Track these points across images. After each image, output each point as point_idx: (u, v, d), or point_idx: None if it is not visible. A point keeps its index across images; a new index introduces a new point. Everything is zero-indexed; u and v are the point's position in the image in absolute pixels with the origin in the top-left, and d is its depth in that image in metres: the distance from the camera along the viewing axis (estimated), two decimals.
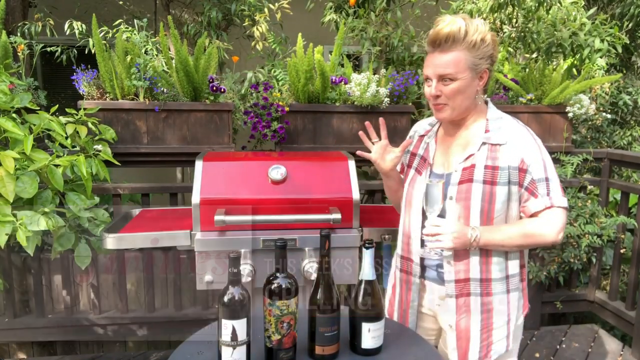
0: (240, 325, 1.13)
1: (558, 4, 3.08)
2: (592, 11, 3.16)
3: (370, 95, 2.56)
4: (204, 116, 2.53)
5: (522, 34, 3.15)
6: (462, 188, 1.42)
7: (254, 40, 3.15)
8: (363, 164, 2.85)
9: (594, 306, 3.25)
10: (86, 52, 2.77)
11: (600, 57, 3.20)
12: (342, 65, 2.82)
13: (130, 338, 4.22)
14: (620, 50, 3.04)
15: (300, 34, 2.62)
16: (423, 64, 1.48)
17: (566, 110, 2.90)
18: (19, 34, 2.87)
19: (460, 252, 1.44)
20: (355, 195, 1.80)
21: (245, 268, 1.70)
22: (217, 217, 1.67)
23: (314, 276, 1.71)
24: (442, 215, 1.43)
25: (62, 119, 2.18)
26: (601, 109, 3.72)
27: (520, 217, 1.48)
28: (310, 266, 1.73)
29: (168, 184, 3.31)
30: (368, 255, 1.25)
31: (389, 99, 2.64)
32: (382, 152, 1.54)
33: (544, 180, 1.42)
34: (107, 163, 2.20)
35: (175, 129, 2.53)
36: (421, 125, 1.66)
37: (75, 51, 2.99)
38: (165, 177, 4.91)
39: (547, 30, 3.05)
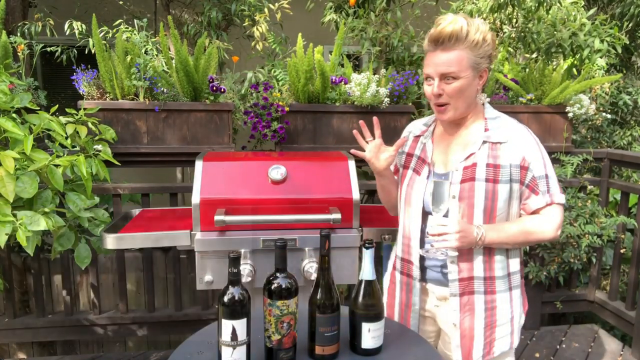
0: (240, 325, 1.13)
1: (558, 4, 3.08)
2: (592, 11, 3.16)
3: (370, 95, 2.56)
4: (204, 116, 2.53)
5: (522, 34, 3.15)
6: (465, 187, 1.43)
7: (254, 40, 3.15)
8: (363, 164, 2.84)
9: (594, 306, 3.26)
10: (86, 52, 2.77)
11: (600, 57, 3.20)
12: (342, 65, 2.82)
13: (130, 338, 4.22)
14: (620, 50, 3.04)
15: (300, 34, 2.62)
16: (423, 63, 1.47)
17: (566, 110, 2.90)
18: (19, 34, 2.87)
19: (464, 251, 1.45)
20: (355, 195, 1.80)
21: (245, 268, 1.70)
22: (217, 217, 1.67)
23: (314, 276, 1.71)
24: (444, 214, 1.43)
25: (62, 119, 2.18)
26: (601, 109, 3.72)
27: (520, 215, 1.49)
28: (310, 266, 1.73)
29: (168, 184, 3.31)
30: (368, 255, 1.25)
31: (389, 99, 2.64)
32: (376, 151, 1.53)
33: (544, 177, 1.44)
34: (107, 163, 2.20)
35: (175, 129, 2.53)
36: (416, 126, 1.65)
37: (75, 51, 2.99)
38: (165, 177, 4.91)
39: (547, 30, 3.05)
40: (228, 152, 2.48)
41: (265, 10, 3.21)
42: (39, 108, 2.13)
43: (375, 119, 1.54)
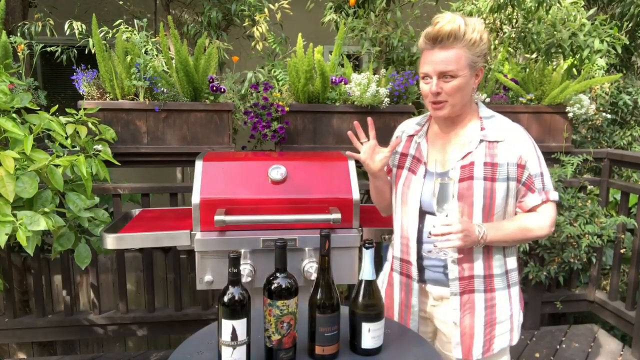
0: (240, 325, 1.13)
1: (558, 4, 3.08)
2: (592, 11, 3.16)
3: (370, 95, 2.56)
4: (204, 116, 2.53)
5: (522, 34, 3.15)
6: (464, 185, 1.43)
7: (254, 41, 3.15)
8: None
9: (594, 306, 3.26)
10: (86, 52, 2.77)
11: (600, 58, 3.21)
12: (342, 65, 2.82)
13: (130, 338, 4.22)
14: (620, 50, 3.04)
15: (300, 34, 2.62)
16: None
17: (566, 110, 2.90)
18: (19, 34, 2.88)
19: (465, 250, 1.45)
20: (355, 195, 1.80)
21: (245, 268, 1.70)
22: (217, 217, 1.67)
23: (314, 276, 1.71)
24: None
25: (62, 119, 2.18)
26: (601, 109, 3.72)
27: (516, 212, 1.51)
28: (310, 266, 1.73)
29: (168, 184, 3.31)
30: (368, 255, 1.25)
31: (389, 99, 2.64)
32: (371, 153, 1.52)
33: (540, 175, 1.46)
34: (107, 163, 2.20)
35: (175, 129, 2.53)
36: (408, 125, 1.65)
37: (75, 51, 2.99)
38: (165, 177, 4.91)
39: (547, 30, 3.05)
40: (228, 152, 2.48)
41: (265, 10, 3.21)
42: (39, 108, 2.13)
43: (369, 119, 1.54)
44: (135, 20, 2.92)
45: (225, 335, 1.12)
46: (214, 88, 2.48)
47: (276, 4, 3.25)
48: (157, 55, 2.70)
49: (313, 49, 2.50)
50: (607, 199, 3.18)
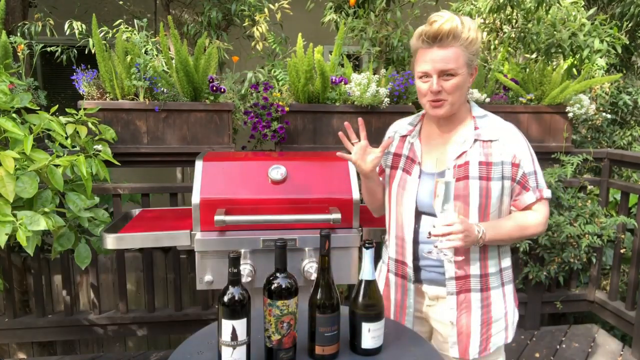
0: (240, 325, 1.13)
1: (558, 4, 3.08)
2: (592, 11, 3.16)
3: (370, 95, 2.56)
4: (204, 116, 2.53)
5: (522, 34, 3.15)
6: (460, 185, 1.43)
7: (254, 41, 3.15)
8: None
9: (594, 306, 3.26)
10: (86, 52, 2.77)
11: (600, 57, 3.20)
12: (342, 65, 2.82)
13: (130, 338, 4.22)
14: (620, 50, 3.04)
15: (300, 34, 2.62)
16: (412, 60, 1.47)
17: (566, 110, 2.90)
18: (19, 34, 2.88)
19: (461, 250, 1.45)
20: (355, 195, 1.80)
21: (245, 268, 1.70)
22: (217, 217, 1.67)
23: (314, 276, 1.71)
24: (433, 214, 1.43)
25: (62, 119, 2.18)
26: (601, 109, 3.72)
27: (510, 211, 1.51)
28: (310, 266, 1.73)
29: (168, 184, 3.31)
30: (368, 255, 1.25)
31: (389, 99, 2.64)
32: (362, 153, 1.50)
33: (533, 174, 1.47)
34: (107, 163, 2.20)
35: (175, 129, 2.53)
36: (401, 125, 1.64)
37: (75, 51, 2.99)
38: (165, 177, 4.91)
39: (547, 30, 3.05)
40: (228, 152, 2.48)
41: (265, 10, 3.21)
42: (39, 108, 2.13)
43: (360, 120, 1.52)
44: (135, 20, 2.92)
45: (225, 335, 1.12)
46: (214, 88, 2.48)
47: (276, 4, 3.25)
48: (157, 55, 2.70)
49: (313, 49, 2.50)
50: (607, 199, 3.18)
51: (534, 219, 1.48)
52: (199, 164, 1.82)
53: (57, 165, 1.86)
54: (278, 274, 1.18)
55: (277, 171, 1.80)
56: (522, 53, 3.33)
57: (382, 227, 1.89)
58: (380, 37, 3.21)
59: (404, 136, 1.60)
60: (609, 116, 3.66)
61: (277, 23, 3.30)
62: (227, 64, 3.51)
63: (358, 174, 1.88)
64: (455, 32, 1.36)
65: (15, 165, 1.72)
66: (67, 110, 2.27)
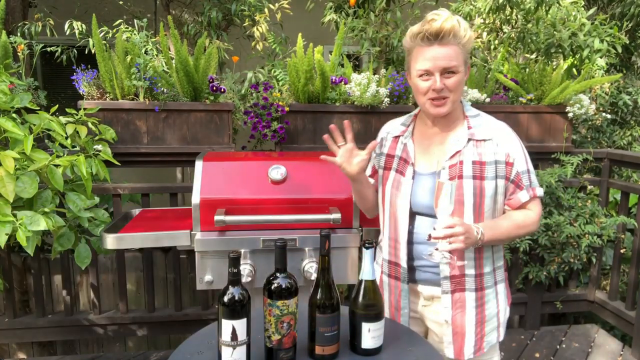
0: (240, 325, 1.13)
1: (557, 4, 3.08)
2: (592, 11, 3.16)
3: (370, 95, 2.56)
4: (204, 116, 2.53)
5: (522, 34, 3.15)
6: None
7: (254, 41, 3.15)
8: None
9: (594, 306, 3.25)
10: (86, 52, 2.77)
11: (600, 57, 3.21)
12: (342, 65, 2.82)
13: (130, 338, 4.22)
14: (620, 50, 3.04)
15: (300, 34, 2.62)
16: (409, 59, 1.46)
17: (566, 110, 2.90)
18: (19, 34, 2.88)
19: (459, 251, 1.45)
20: None
21: (245, 268, 1.70)
22: (217, 217, 1.67)
23: (314, 276, 1.71)
24: (427, 214, 1.42)
25: (62, 119, 2.18)
26: (601, 109, 3.72)
27: (504, 210, 1.51)
28: (310, 266, 1.73)
29: (168, 184, 3.31)
30: (368, 255, 1.25)
31: (389, 99, 2.64)
32: (348, 156, 1.45)
33: (526, 172, 1.48)
34: (107, 163, 2.20)
35: (175, 129, 2.53)
36: (393, 126, 1.63)
37: (75, 51, 2.99)
38: (165, 177, 4.91)
39: (547, 30, 3.05)
40: (228, 152, 2.48)
41: (265, 10, 3.21)
42: (39, 108, 2.13)
43: (346, 122, 1.47)
44: (135, 20, 2.93)
45: (225, 335, 1.13)
46: (214, 88, 2.48)
47: (276, 4, 3.25)
48: (157, 55, 2.70)
49: (313, 49, 2.50)
50: (607, 199, 3.18)
51: (529, 217, 1.49)
52: (199, 164, 1.82)
53: (57, 165, 1.86)
54: (278, 274, 1.18)
55: (277, 171, 1.80)
56: (522, 53, 3.33)
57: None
58: (380, 37, 3.21)
59: (397, 137, 1.59)
60: (609, 116, 3.66)
61: (277, 23, 3.30)
62: (227, 64, 3.51)
63: None
64: (455, 30, 1.37)
65: (15, 165, 1.72)
66: (67, 110, 2.27)
